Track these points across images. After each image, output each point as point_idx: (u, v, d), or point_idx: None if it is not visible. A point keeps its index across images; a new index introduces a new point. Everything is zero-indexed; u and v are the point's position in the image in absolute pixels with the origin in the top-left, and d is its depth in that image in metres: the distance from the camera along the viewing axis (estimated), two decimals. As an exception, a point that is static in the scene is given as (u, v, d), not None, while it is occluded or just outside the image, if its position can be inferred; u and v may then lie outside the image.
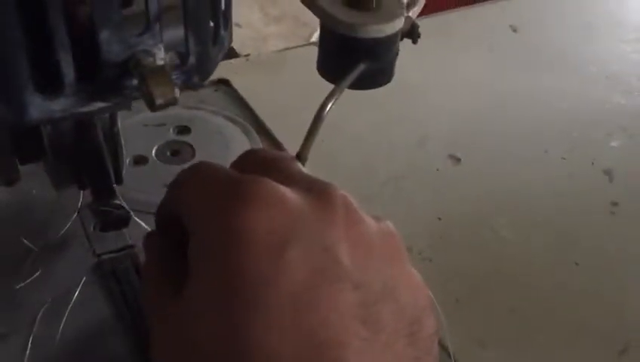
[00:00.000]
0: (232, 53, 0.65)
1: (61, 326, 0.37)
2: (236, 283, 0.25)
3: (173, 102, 0.28)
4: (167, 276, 0.29)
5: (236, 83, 0.58)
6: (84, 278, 0.40)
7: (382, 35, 0.37)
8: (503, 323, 0.41)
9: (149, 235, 0.33)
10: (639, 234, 0.47)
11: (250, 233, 0.25)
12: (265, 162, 0.30)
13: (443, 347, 0.39)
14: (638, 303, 0.42)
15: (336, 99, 0.36)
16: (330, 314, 0.25)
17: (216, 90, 0.58)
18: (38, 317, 0.37)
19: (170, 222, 0.30)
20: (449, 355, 0.38)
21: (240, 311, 0.25)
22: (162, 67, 0.28)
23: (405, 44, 0.40)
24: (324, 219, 0.26)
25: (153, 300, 0.29)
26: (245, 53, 0.65)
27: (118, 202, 0.38)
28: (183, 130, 0.53)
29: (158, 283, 0.29)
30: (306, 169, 0.47)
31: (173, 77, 0.30)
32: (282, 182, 0.27)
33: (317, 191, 0.27)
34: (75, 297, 0.38)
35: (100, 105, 0.29)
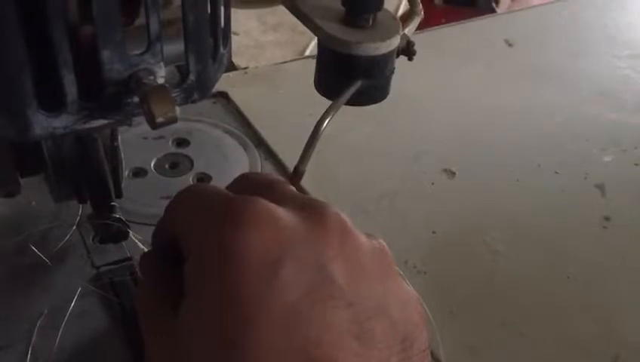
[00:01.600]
0: (230, 67, 0.65)
1: (58, 338, 0.37)
2: (231, 301, 0.25)
3: (173, 121, 0.29)
4: (163, 295, 0.29)
5: (234, 96, 0.59)
6: (80, 289, 0.40)
7: (378, 52, 0.38)
8: (495, 336, 0.41)
9: (144, 255, 0.33)
10: (631, 249, 0.48)
11: (244, 252, 0.25)
12: (258, 184, 0.31)
13: (436, 359, 0.39)
14: (628, 317, 0.43)
15: (332, 116, 0.37)
16: (325, 331, 0.25)
17: (214, 103, 0.59)
18: (36, 328, 0.38)
19: (167, 243, 0.31)
20: (442, 368, 0.39)
21: (234, 329, 0.25)
22: (163, 86, 0.29)
23: (401, 59, 0.40)
24: (318, 238, 0.27)
25: (149, 318, 0.30)
26: (243, 64, 0.66)
27: (117, 216, 0.39)
28: (182, 142, 0.54)
29: (154, 302, 0.30)
30: (303, 183, 0.47)
31: (174, 94, 0.31)
32: (276, 202, 0.28)
33: (310, 209, 0.28)
34: (71, 308, 0.39)
35: (101, 122, 0.30)
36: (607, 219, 0.50)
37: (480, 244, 0.47)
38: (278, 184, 0.31)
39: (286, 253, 0.26)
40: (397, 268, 0.29)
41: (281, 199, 0.28)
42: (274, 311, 0.25)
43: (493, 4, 1.39)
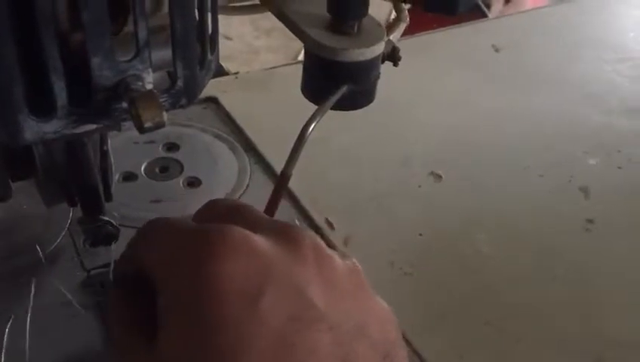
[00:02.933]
0: (221, 72, 0.66)
1: (27, 341, 0.37)
2: (212, 335, 0.25)
3: (161, 126, 0.29)
4: (137, 329, 0.29)
5: (225, 101, 0.60)
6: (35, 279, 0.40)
7: (363, 58, 0.38)
8: (481, 336, 0.42)
9: (112, 292, 0.32)
10: (613, 250, 0.48)
11: (222, 284, 0.25)
12: (229, 211, 0.31)
13: (422, 360, 0.40)
14: (612, 316, 0.44)
15: (318, 120, 0.38)
16: (309, 356, 0.25)
17: (204, 108, 0.59)
18: (6, 331, 0.38)
19: (133, 277, 0.30)
20: (428, 367, 0.40)
21: (219, 360, 0.25)
22: (151, 91, 0.29)
23: (389, 64, 0.41)
24: (295, 263, 0.27)
25: (124, 352, 0.29)
26: (237, 68, 0.66)
27: (107, 219, 0.39)
28: (172, 147, 0.55)
29: (129, 337, 0.29)
30: (293, 186, 0.48)
31: (162, 100, 0.32)
32: (249, 228, 0.27)
33: (285, 235, 0.28)
34: (30, 307, 0.39)
35: (90, 127, 0.30)
36: (590, 221, 0.50)
37: (466, 246, 0.48)
38: (249, 210, 0.31)
39: (265, 281, 0.26)
40: (370, 286, 0.29)
41: (254, 225, 0.28)
42: (258, 341, 0.25)
43: (485, 9, 1.40)
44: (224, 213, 0.30)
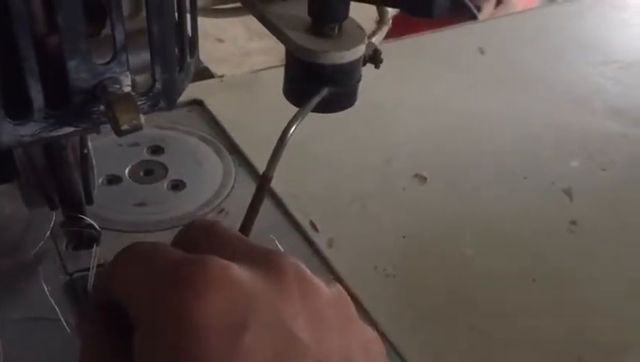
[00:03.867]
0: (206, 74, 0.66)
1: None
2: None
3: (138, 128, 0.29)
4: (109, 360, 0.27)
5: (210, 103, 0.60)
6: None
7: (344, 61, 0.38)
8: (463, 338, 0.42)
9: (82, 319, 0.30)
10: (596, 252, 0.49)
11: (202, 321, 0.24)
12: (208, 237, 0.29)
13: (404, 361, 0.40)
14: (592, 318, 0.44)
15: (299, 122, 0.38)
16: None
17: (190, 111, 0.59)
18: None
19: (108, 304, 0.28)
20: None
21: None
22: (128, 94, 0.29)
23: (373, 66, 0.41)
24: (279, 295, 0.25)
25: None
26: (229, 70, 0.66)
27: (89, 221, 0.39)
28: (157, 149, 0.55)
29: None
30: (278, 188, 0.48)
31: (141, 102, 0.32)
32: (229, 257, 0.26)
33: (268, 263, 0.27)
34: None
35: (68, 129, 0.30)
36: (573, 223, 0.51)
37: (449, 248, 0.48)
38: (230, 235, 0.29)
39: (247, 316, 0.24)
40: (356, 312, 0.28)
41: (234, 253, 0.27)
42: None
43: (475, 11, 1.41)
44: (203, 239, 0.29)
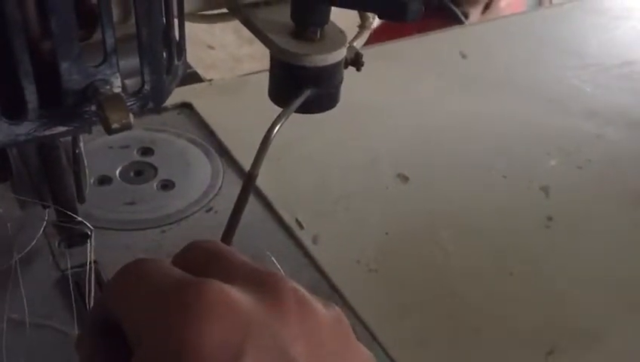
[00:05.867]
0: (195, 78, 0.68)
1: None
2: None
3: (128, 127, 0.31)
4: None
5: (199, 106, 0.61)
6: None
7: (325, 63, 0.40)
8: (443, 329, 0.44)
9: (81, 337, 0.30)
10: (571, 247, 0.51)
11: (201, 347, 0.24)
12: (207, 259, 0.29)
13: (386, 353, 0.42)
14: (566, 310, 0.46)
15: (283, 123, 0.39)
16: None
17: (179, 114, 0.61)
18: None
19: (107, 322, 0.28)
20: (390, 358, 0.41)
21: None
22: (118, 95, 0.31)
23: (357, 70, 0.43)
24: (277, 319, 0.26)
25: None
26: (220, 76, 0.68)
27: (81, 220, 0.41)
28: (147, 151, 0.56)
29: None
30: (264, 188, 0.49)
31: (130, 103, 0.33)
32: (228, 280, 0.26)
33: (266, 287, 0.27)
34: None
35: (61, 129, 0.32)
36: (550, 218, 0.53)
37: (430, 244, 0.50)
38: (229, 256, 0.29)
39: (246, 341, 0.24)
40: (353, 334, 0.29)
41: (233, 275, 0.27)
42: None
43: (462, 16, 1.43)
44: (202, 261, 0.28)
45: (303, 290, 0.27)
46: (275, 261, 0.46)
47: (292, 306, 0.26)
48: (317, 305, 0.27)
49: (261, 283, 0.27)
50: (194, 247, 0.30)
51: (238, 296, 0.25)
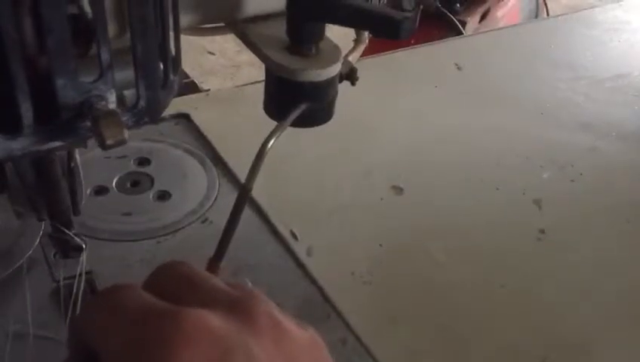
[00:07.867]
0: (192, 89, 0.68)
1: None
2: None
3: (122, 143, 0.31)
4: None
5: (196, 117, 0.62)
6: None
7: (320, 78, 0.41)
8: (434, 340, 0.44)
9: None
10: (562, 259, 0.51)
11: None
12: (180, 284, 0.29)
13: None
14: (556, 322, 0.46)
15: (278, 136, 0.40)
16: None
17: (176, 124, 0.61)
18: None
19: (84, 350, 0.28)
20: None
21: None
22: (113, 111, 0.31)
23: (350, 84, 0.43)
24: (253, 342, 0.26)
25: None
26: (219, 83, 0.69)
27: (74, 233, 0.41)
28: (144, 161, 0.56)
29: None
30: (260, 199, 0.50)
31: (125, 118, 0.33)
32: (202, 304, 0.26)
33: (240, 308, 0.27)
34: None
35: (56, 144, 0.32)
36: (542, 231, 0.53)
37: (423, 255, 0.50)
38: (201, 280, 0.29)
39: None
40: (329, 356, 0.29)
41: (207, 299, 0.27)
42: None
43: (461, 27, 1.44)
44: (174, 286, 0.29)
45: (276, 311, 0.27)
46: (249, 283, 0.46)
47: (266, 328, 0.26)
48: (292, 326, 0.27)
49: (234, 306, 0.27)
50: (165, 271, 0.30)
51: (214, 321, 0.26)
